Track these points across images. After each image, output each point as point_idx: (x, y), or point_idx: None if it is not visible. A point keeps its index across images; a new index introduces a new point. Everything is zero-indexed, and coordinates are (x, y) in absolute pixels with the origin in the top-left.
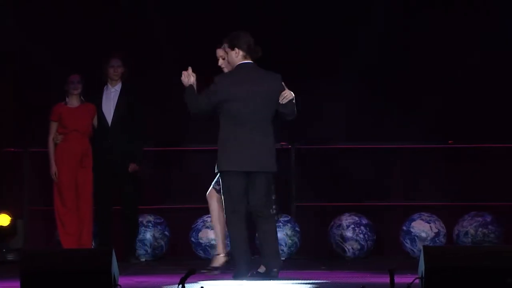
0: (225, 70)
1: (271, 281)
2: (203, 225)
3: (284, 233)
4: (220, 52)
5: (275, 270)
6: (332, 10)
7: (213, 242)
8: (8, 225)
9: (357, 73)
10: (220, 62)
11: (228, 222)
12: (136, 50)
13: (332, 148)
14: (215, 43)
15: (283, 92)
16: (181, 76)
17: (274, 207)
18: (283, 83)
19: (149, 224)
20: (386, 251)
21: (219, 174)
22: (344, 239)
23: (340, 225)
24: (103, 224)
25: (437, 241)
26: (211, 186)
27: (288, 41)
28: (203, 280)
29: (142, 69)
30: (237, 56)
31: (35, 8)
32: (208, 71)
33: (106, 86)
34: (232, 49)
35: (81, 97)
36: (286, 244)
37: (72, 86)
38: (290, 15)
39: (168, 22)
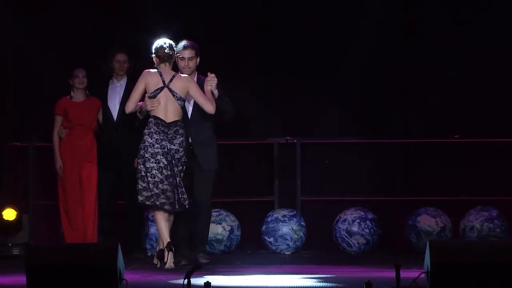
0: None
1: (279, 275)
2: None
3: (289, 228)
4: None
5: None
6: (332, 8)
7: (219, 236)
8: (13, 219)
9: (364, 66)
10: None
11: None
12: (137, 47)
13: (338, 142)
14: (214, 43)
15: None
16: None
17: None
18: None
19: None
20: (391, 245)
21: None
22: (350, 233)
23: (345, 220)
24: (108, 219)
25: (443, 235)
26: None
27: (288, 40)
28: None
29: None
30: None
31: (37, 3)
32: (207, 70)
33: (111, 80)
34: (197, 56)
35: (87, 92)
36: (291, 239)
37: (77, 81)
38: (290, 15)
39: (165, 22)
